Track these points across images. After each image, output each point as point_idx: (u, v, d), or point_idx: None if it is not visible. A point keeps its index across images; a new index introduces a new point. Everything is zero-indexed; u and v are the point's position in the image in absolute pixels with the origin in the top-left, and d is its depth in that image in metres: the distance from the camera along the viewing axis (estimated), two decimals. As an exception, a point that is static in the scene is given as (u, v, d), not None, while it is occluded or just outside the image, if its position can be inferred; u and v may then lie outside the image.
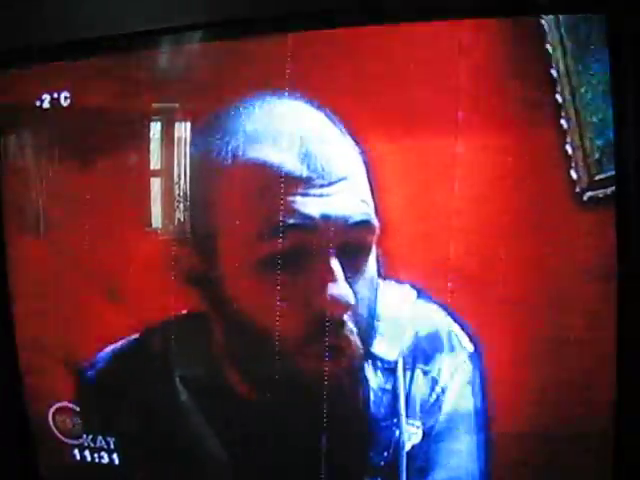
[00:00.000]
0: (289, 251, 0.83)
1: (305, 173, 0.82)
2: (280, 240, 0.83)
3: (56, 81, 0.94)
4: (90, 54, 0.92)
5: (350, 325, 0.84)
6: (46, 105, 0.94)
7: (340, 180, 0.82)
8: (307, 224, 0.82)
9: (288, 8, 0.82)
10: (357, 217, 0.82)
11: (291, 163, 0.82)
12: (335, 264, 0.82)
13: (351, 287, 0.83)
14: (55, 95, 0.94)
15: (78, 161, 0.94)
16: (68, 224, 0.96)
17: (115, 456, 0.96)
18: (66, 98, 0.93)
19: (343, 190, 0.82)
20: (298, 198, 0.82)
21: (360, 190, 0.83)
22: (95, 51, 0.91)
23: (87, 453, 0.98)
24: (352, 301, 0.83)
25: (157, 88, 0.92)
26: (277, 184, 0.82)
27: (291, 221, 0.82)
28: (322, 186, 0.82)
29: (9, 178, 0.99)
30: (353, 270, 0.83)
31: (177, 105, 0.91)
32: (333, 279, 0.82)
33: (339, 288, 0.82)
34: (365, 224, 0.83)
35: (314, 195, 0.82)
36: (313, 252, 0.83)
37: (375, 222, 0.82)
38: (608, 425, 0.77)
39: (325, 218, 0.82)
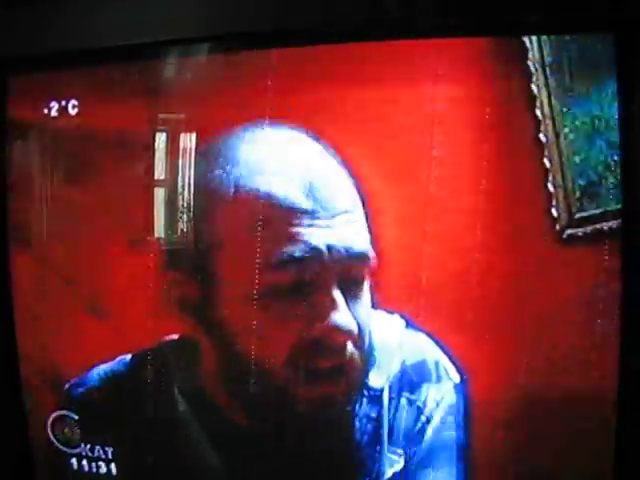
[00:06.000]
0: (292, 281, 0.89)
1: (310, 206, 0.89)
2: (284, 270, 0.89)
3: (64, 89, 1.01)
4: (99, 63, 0.99)
5: (348, 353, 0.91)
6: (54, 113, 1.02)
7: (342, 213, 0.90)
8: (313, 255, 0.88)
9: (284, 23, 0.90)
10: (357, 249, 0.90)
11: (296, 195, 0.89)
12: (337, 294, 0.89)
13: (352, 315, 0.90)
14: (63, 103, 1.02)
15: (77, 173, 1.02)
16: (62, 238, 1.04)
17: (113, 466, 1.04)
18: (74, 107, 1.01)
19: (345, 222, 0.90)
20: (304, 230, 0.89)
21: (359, 223, 0.91)
22: (104, 60, 0.99)
23: (85, 463, 1.05)
24: (355, 330, 0.90)
25: (163, 101, 0.99)
26: (282, 215, 0.89)
27: (297, 252, 0.88)
28: (326, 218, 0.89)
29: (12, 185, 1.07)
30: (352, 300, 0.90)
31: (181, 121, 0.98)
32: (336, 308, 0.89)
33: (342, 317, 0.89)
34: (364, 256, 0.90)
35: (319, 227, 0.89)
36: (316, 282, 0.89)
37: (372, 254, 0.90)
38: (603, 462, 0.84)
39: (329, 249, 0.88)
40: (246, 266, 0.92)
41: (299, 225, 0.89)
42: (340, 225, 0.90)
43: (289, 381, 0.92)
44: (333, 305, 0.89)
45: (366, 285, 0.92)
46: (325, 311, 0.89)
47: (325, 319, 0.89)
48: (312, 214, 0.89)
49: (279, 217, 0.90)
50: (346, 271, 0.90)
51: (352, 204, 0.91)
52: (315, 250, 0.89)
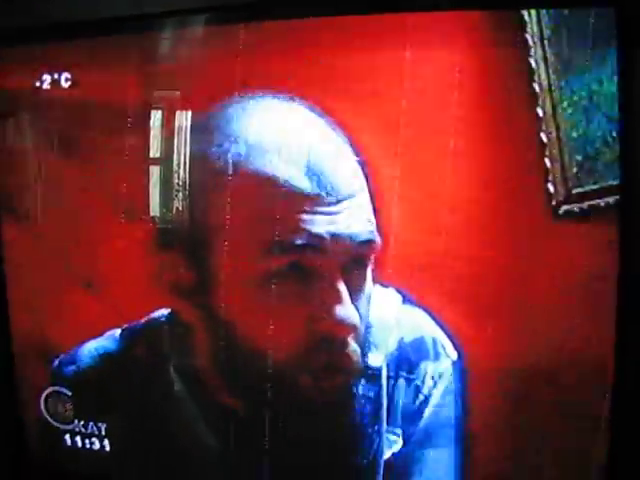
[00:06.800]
0: (293, 269, 0.87)
1: (314, 189, 0.86)
2: (285, 258, 0.87)
3: (57, 62, 1.01)
4: (92, 35, 0.99)
5: (350, 344, 0.90)
6: (46, 86, 1.02)
7: (347, 198, 0.87)
8: (315, 243, 0.86)
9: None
10: (363, 236, 0.88)
11: (299, 178, 0.87)
12: (341, 284, 0.87)
13: (355, 307, 0.88)
14: (56, 76, 1.01)
15: (70, 147, 1.02)
16: (56, 212, 1.04)
17: (106, 442, 1.05)
18: (67, 79, 1.01)
19: (350, 208, 0.87)
20: (307, 216, 0.86)
21: (365, 207, 0.88)
22: (98, 32, 0.98)
23: (78, 439, 1.06)
24: (358, 323, 0.88)
25: (157, 73, 0.99)
26: (284, 199, 0.87)
27: (299, 240, 0.86)
28: (330, 204, 0.87)
29: (4, 159, 1.07)
30: (356, 288, 0.89)
31: (175, 94, 0.97)
32: (339, 300, 0.87)
33: (345, 310, 0.87)
34: (370, 243, 0.88)
35: (323, 213, 0.86)
36: (319, 271, 0.87)
37: (378, 239, 0.88)
38: (600, 441, 0.85)
39: (333, 238, 0.86)
40: (243, 251, 0.91)
41: (302, 211, 0.87)
42: (345, 211, 0.87)
43: (286, 370, 0.91)
44: (337, 298, 0.88)
45: (369, 271, 0.90)
46: (328, 304, 0.88)
47: (328, 313, 0.88)
48: (316, 198, 0.87)
49: (281, 200, 0.88)
50: (351, 260, 0.88)
51: (357, 186, 0.89)
52: (319, 238, 0.86)
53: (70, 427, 1.07)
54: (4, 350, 1.09)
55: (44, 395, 1.08)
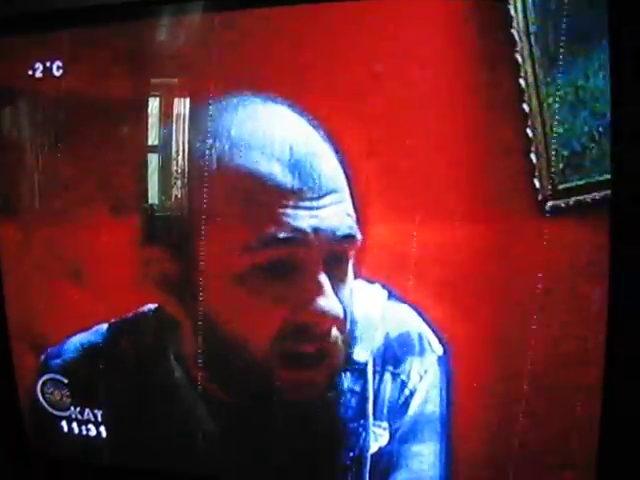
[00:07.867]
0: (277, 263, 0.88)
1: (296, 185, 0.88)
2: (269, 251, 0.88)
3: (49, 50, 1.01)
4: (83, 24, 0.99)
5: (333, 335, 0.90)
6: (38, 74, 1.02)
7: (329, 193, 0.89)
8: (298, 237, 0.87)
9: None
10: (344, 231, 0.89)
11: (281, 173, 0.88)
12: (323, 277, 0.88)
13: (338, 299, 0.89)
14: (48, 64, 1.01)
15: (59, 137, 1.02)
16: (46, 204, 1.05)
17: (102, 429, 1.06)
18: (58, 68, 1.01)
19: (331, 203, 0.88)
20: (289, 210, 0.87)
21: (346, 203, 0.89)
22: (88, 21, 0.99)
23: (75, 425, 1.07)
24: (341, 315, 0.89)
25: (147, 65, 0.99)
26: (268, 195, 0.88)
27: (282, 234, 0.87)
28: (312, 199, 0.88)
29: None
30: (338, 282, 0.89)
31: (166, 86, 0.98)
32: (322, 293, 0.88)
33: (329, 302, 0.89)
34: (350, 237, 0.89)
35: (305, 208, 0.88)
36: (302, 265, 0.88)
37: (358, 234, 0.89)
38: (588, 440, 0.85)
39: (315, 232, 0.88)
40: (227, 245, 0.92)
41: (285, 205, 0.88)
42: (327, 206, 0.89)
43: (271, 364, 0.92)
44: (320, 290, 0.89)
45: (351, 264, 0.91)
46: (312, 296, 0.89)
47: (312, 304, 0.89)
48: (298, 193, 0.88)
49: (264, 195, 0.89)
50: (332, 253, 0.89)
51: (338, 182, 0.90)
52: (301, 232, 0.88)
53: (66, 414, 1.08)
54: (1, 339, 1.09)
55: (39, 383, 1.09)
